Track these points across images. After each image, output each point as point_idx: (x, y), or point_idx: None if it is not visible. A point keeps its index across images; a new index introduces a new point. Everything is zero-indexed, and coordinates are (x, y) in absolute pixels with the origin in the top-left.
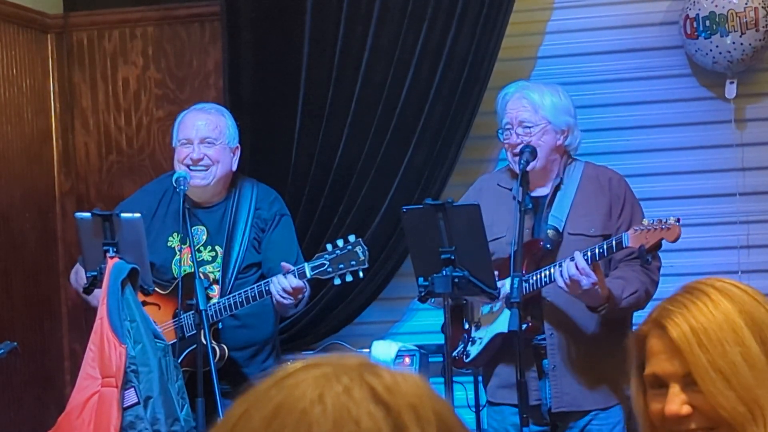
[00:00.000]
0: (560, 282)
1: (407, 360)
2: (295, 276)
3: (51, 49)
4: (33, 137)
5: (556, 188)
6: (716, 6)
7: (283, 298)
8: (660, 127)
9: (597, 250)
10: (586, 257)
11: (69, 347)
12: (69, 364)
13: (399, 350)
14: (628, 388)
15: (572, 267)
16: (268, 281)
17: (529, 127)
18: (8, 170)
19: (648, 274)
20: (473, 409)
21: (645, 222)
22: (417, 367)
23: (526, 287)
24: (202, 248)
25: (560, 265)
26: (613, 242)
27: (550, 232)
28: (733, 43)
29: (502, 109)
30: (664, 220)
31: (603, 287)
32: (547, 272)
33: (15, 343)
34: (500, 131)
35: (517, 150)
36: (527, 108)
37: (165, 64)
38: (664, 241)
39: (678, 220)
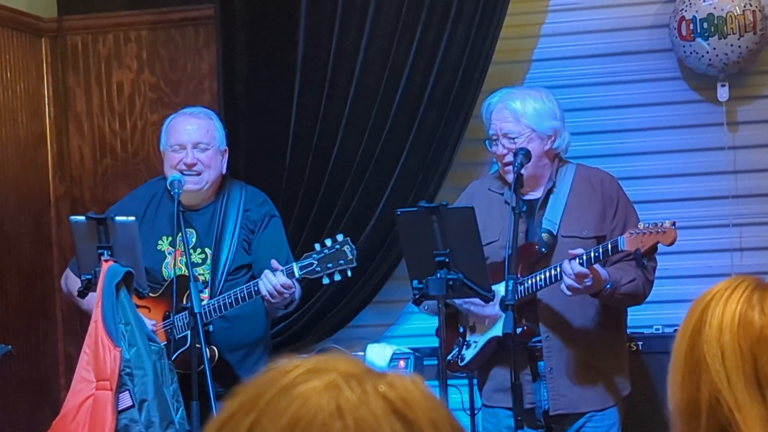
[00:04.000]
0: (564, 287)
1: (402, 363)
2: (283, 274)
3: (45, 53)
4: (27, 141)
5: (549, 191)
6: (714, 8)
7: (272, 296)
8: (652, 130)
9: (593, 254)
10: (581, 261)
11: (64, 351)
12: (64, 367)
13: (393, 353)
14: (623, 389)
15: (570, 278)
16: (257, 281)
17: (514, 138)
18: (2, 174)
19: (644, 273)
20: (468, 412)
21: (640, 226)
22: (411, 371)
23: (521, 291)
24: (191, 251)
25: (555, 269)
26: (609, 246)
27: (544, 235)
28: (731, 45)
29: (487, 119)
30: (660, 224)
31: (597, 280)
32: (542, 275)
33: (10, 347)
34: (488, 141)
35: (508, 158)
36: (508, 119)
37: (159, 67)
38: (659, 245)
39: (673, 224)
